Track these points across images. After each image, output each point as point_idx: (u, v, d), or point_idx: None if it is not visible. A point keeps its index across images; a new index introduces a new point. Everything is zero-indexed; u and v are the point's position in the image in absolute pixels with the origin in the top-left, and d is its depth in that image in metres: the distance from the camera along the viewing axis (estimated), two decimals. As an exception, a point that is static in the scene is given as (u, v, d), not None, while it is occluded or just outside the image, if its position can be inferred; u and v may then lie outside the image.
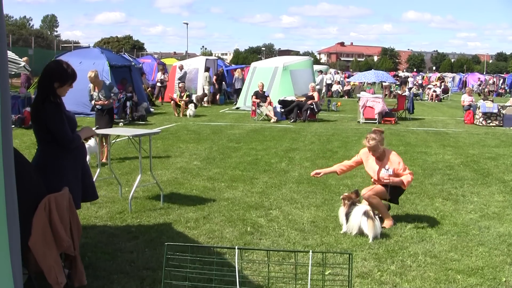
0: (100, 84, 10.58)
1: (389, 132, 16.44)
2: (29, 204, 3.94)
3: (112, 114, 10.86)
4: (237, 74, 29.06)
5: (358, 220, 5.99)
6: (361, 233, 6.02)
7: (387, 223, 6.53)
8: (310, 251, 3.60)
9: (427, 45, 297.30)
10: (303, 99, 20.31)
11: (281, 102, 20.66)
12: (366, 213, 5.96)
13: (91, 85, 10.58)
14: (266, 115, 19.93)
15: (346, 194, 6.44)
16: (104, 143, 9.96)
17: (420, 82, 48.21)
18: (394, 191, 6.57)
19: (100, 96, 10.49)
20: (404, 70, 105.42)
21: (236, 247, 3.66)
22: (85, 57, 19.58)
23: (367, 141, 6.56)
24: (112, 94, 10.59)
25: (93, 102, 10.64)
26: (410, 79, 46.15)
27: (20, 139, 13.27)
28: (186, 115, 20.24)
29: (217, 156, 11.51)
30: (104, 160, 9.86)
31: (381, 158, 6.63)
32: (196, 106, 22.28)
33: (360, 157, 6.85)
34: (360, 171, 8.90)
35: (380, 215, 6.42)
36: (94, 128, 6.29)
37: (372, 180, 6.80)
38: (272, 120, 19.37)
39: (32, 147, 10.94)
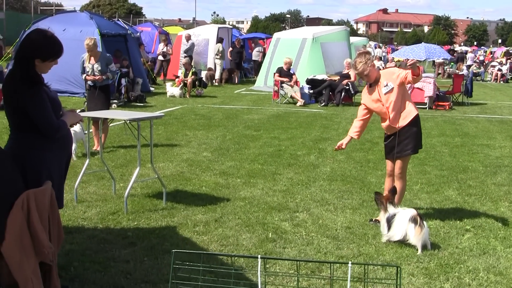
0: (97, 56, 10.67)
1: (443, 120, 16.31)
2: (3, 201, 3.95)
3: (108, 93, 10.90)
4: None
5: (404, 227, 5.99)
6: (403, 241, 6.02)
7: None
8: (350, 262, 3.58)
9: (492, 12, 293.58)
10: (337, 78, 20.22)
11: (310, 82, 20.59)
12: (413, 219, 5.96)
13: (86, 55, 10.66)
14: (291, 97, 19.88)
15: (385, 193, 6.47)
16: (101, 128, 9.93)
17: (481, 58, 47.68)
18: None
19: (94, 69, 10.55)
20: (462, 44, 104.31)
21: (259, 256, 3.66)
22: (70, 23, 19.60)
23: (355, 68, 6.74)
24: (108, 71, 10.64)
25: (84, 76, 10.70)
26: (469, 55, 45.69)
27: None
28: (186, 96, 20.18)
29: (231, 147, 11.52)
30: (97, 149, 9.87)
31: (377, 82, 6.75)
32: (205, 86, 22.32)
33: (363, 105, 6.93)
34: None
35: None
36: (78, 111, 6.28)
37: (384, 124, 6.81)
38: (299, 104, 19.33)
39: (4, 133, 11.04)
